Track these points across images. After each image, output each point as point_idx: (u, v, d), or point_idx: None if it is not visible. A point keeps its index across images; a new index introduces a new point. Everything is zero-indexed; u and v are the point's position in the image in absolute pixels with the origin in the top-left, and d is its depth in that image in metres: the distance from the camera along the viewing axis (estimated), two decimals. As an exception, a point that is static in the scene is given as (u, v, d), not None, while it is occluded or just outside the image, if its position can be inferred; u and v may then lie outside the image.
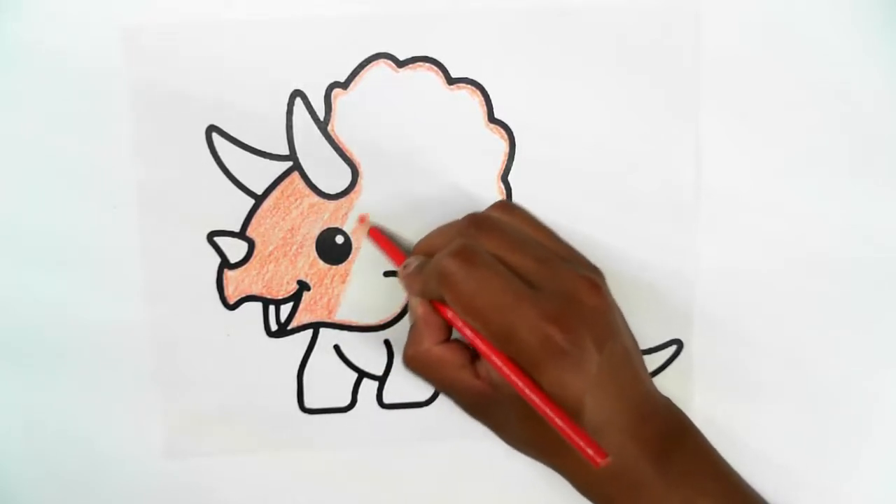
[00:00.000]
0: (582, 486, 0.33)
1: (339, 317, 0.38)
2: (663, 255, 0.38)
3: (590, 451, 0.29)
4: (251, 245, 0.38)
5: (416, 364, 0.34)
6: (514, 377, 0.31)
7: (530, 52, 0.37)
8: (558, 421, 0.30)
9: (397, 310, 0.38)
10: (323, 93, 0.37)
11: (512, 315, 0.31)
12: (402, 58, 0.37)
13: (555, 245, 0.35)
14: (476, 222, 0.34)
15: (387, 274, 0.38)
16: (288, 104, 0.37)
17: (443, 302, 0.33)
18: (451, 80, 0.37)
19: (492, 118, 0.37)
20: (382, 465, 0.39)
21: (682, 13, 0.37)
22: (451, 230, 0.35)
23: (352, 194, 0.38)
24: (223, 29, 0.36)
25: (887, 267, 0.38)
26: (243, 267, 0.38)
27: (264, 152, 0.37)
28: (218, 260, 0.38)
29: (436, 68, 0.37)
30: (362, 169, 0.37)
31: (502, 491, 0.39)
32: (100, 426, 0.38)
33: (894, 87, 0.37)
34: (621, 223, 0.38)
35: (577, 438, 0.29)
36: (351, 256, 0.38)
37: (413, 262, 0.35)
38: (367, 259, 0.38)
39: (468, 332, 0.32)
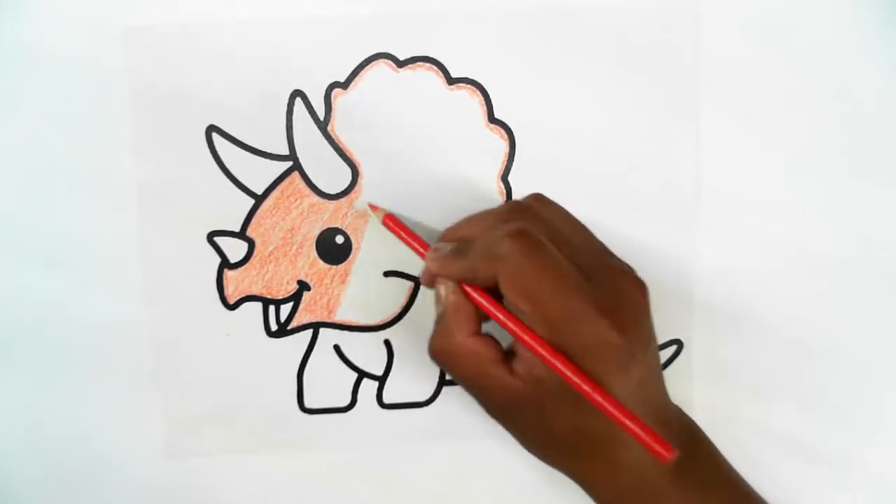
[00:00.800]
0: (603, 494, 0.33)
1: (339, 317, 0.38)
2: (663, 255, 0.38)
3: (658, 448, 0.28)
4: (251, 245, 0.38)
5: (445, 357, 0.32)
6: (569, 372, 0.29)
7: (530, 52, 0.37)
8: (623, 419, 0.28)
9: (397, 310, 0.38)
10: (323, 93, 0.37)
11: (570, 304, 0.30)
12: (402, 58, 0.37)
13: (595, 241, 0.34)
14: (520, 209, 0.33)
15: (387, 274, 0.38)
16: (288, 104, 0.37)
17: (483, 287, 0.31)
18: (451, 80, 0.37)
19: (492, 118, 0.37)
20: (382, 465, 0.39)
21: (682, 13, 0.37)
22: (487, 218, 0.33)
23: (352, 194, 0.38)
24: (223, 29, 0.36)
25: (887, 267, 0.38)
26: (243, 267, 0.38)
27: (264, 152, 0.37)
28: (218, 260, 0.38)
29: (436, 68, 0.37)
30: (362, 169, 0.37)
31: (502, 491, 0.39)
32: (100, 426, 0.38)
33: (894, 87, 0.37)
34: (621, 223, 0.38)
35: (645, 435, 0.28)
36: (351, 256, 0.38)
37: (445, 246, 0.33)
38: (367, 259, 0.38)
39: (511, 324, 0.30)
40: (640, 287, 0.32)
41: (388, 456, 0.39)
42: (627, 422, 0.29)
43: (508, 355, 0.32)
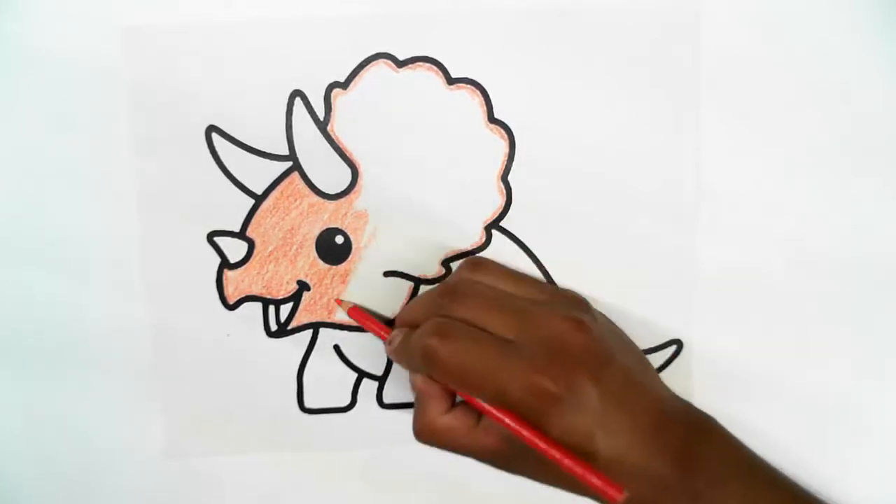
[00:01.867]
0: None
1: (340, 317, 0.38)
2: (663, 255, 0.38)
3: (607, 489, 0.29)
4: (251, 245, 0.38)
5: (426, 436, 0.34)
6: (520, 429, 0.31)
7: (530, 52, 0.37)
8: (566, 463, 0.30)
9: (397, 310, 0.38)
10: (323, 93, 0.37)
11: (500, 377, 0.31)
12: (402, 58, 0.37)
13: (530, 291, 0.35)
14: (448, 292, 0.34)
15: (387, 274, 0.38)
16: (288, 104, 0.37)
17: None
18: (451, 80, 0.37)
19: (492, 118, 0.37)
20: (382, 465, 0.39)
21: (682, 13, 0.37)
22: (427, 301, 0.35)
23: (352, 194, 0.38)
24: (223, 29, 0.36)
25: (887, 267, 0.38)
26: (243, 267, 0.38)
27: (264, 152, 0.37)
28: (218, 260, 0.38)
29: (436, 68, 0.37)
30: (362, 169, 0.37)
31: (502, 491, 0.39)
32: (100, 426, 0.38)
33: (894, 87, 0.37)
34: (621, 223, 0.38)
35: (591, 478, 0.30)
36: (351, 256, 0.38)
37: (397, 336, 0.35)
38: (367, 259, 0.38)
39: (467, 397, 0.33)
40: (575, 326, 0.33)
41: (388, 456, 0.39)
42: (571, 464, 0.30)
43: (483, 418, 0.34)
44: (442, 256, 0.38)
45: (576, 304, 0.35)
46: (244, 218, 0.37)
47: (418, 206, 0.37)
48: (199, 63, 0.36)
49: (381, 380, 0.38)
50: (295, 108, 0.37)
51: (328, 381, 0.38)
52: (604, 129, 0.37)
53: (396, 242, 0.38)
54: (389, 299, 0.38)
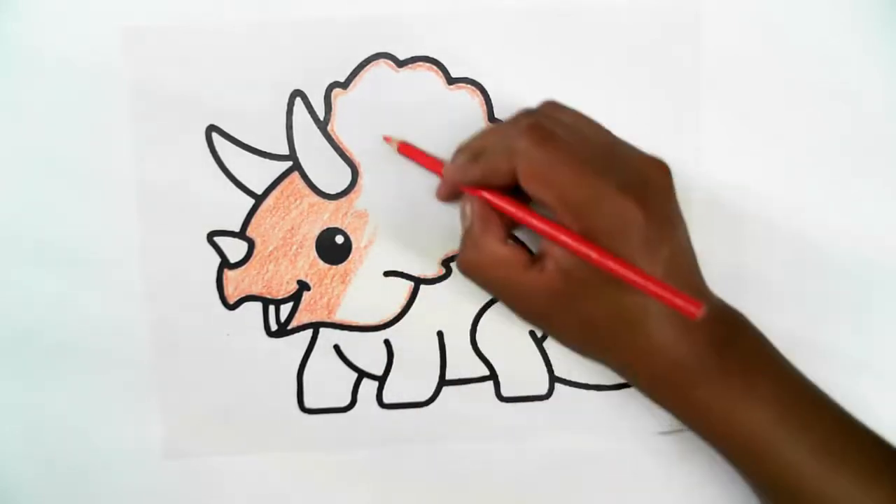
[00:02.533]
0: (643, 377, 0.33)
1: (339, 317, 0.38)
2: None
3: (683, 304, 0.28)
4: (251, 245, 0.38)
5: (475, 268, 0.33)
6: (592, 253, 0.29)
7: (530, 52, 0.37)
8: (642, 281, 0.29)
9: (397, 310, 0.38)
10: (323, 93, 0.37)
11: (590, 187, 0.30)
12: (402, 58, 0.37)
13: (614, 137, 0.34)
14: (531, 112, 0.33)
15: (387, 274, 0.38)
16: (288, 104, 0.37)
17: (503, 188, 0.32)
18: (451, 80, 0.37)
19: (492, 118, 0.37)
20: (382, 465, 0.39)
21: (682, 13, 0.37)
22: (500, 127, 0.33)
23: (352, 194, 0.38)
24: (223, 29, 0.36)
25: (887, 267, 0.38)
26: (243, 267, 0.38)
27: (264, 152, 0.37)
28: (218, 260, 0.38)
29: (436, 68, 0.37)
30: (362, 169, 0.37)
31: (502, 491, 0.39)
32: (100, 426, 0.38)
33: (894, 87, 0.37)
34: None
35: (667, 293, 0.28)
36: (351, 256, 0.38)
37: (462, 156, 0.33)
38: (367, 259, 0.38)
39: (536, 216, 0.31)
40: (661, 168, 0.32)
41: (388, 456, 0.39)
42: (651, 285, 0.29)
43: (538, 258, 0.32)
44: (442, 256, 0.38)
45: (662, 159, 0.33)
46: (244, 218, 0.37)
47: (418, 206, 0.37)
48: (199, 63, 0.36)
49: (381, 380, 0.38)
50: (295, 108, 0.37)
51: (328, 381, 0.38)
52: (604, 128, 0.37)
53: (396, 242, 0.38)
54: (389, 299, 0.38)
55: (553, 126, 0.32)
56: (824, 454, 0.31)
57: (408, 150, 0.36)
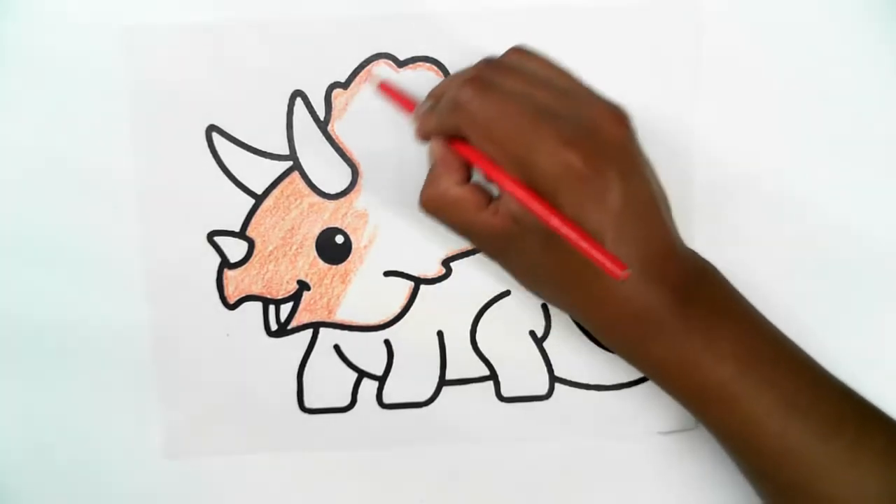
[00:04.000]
0: (602, 328, 0.33)
1: (339, 317, 0.38)
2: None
3: (609, 265, 0.28)
4: (251, 245, 0.38)
5: (433, 206, 0.33)
6: (531, 201, 0.30)
7: (530, 52, 0.37)
8: (574, 237, 0.28)
9: (397, 310, 0.38)
10: (323, 93, 0.37)
11: (530, 140, 0.30)
12: (402, 58, 0.37)
13: (576, 84, 0.33)
14: (493, 63, 0.33)
15: (387, 274, 0.38)
16: (288, 104, 0.37)
17: (460, 138, 0.32)
18: (451, 80, 0.37)
19: (492, 118, 0.37)
20: (382, 465, 0.39)
21: (682, 13, 0.37)
22: (462, 73, 0.33)
23: (352, 194, 0.38)
24: (223, 29, 0.36)
25: (887, 267, 0.38)
26: (243, 267, 0.38)
27: (264, 152, 0.37)
28: (218, 260, 0.38)
29: (436, 68, 0.37)
30: (362, 169, 0.37)
31: (502, 491, 0.39)
32: (100, 426, 0.38)
33: (894, 87, 0.37)
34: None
35: (595, 252, 0.28)
36: (351, 256, 0.38)
37: (426, 103, 0.34)
38: (367, 259, 0.38)
39: (485, 164, 0.31)
40: (614, 117, 0.31)
41: (388, 456, 0.39)
42: (575, 238, 0.28)
43: (494, 200, 0.32)
44: (442, 256, 0.38)
45: (619, 107, 0.33)
46: (244, 218, 0.37)
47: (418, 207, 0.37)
48: (199, 63, 0.36)
49: (381, 380, 0.38)
50: (295, 108, 0.37)
51: (328, 381, 0.38)
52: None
53: (396, 242, 0.38)
54: (389, 299, 0.38)
55: (498, 75, 0.31)
56: (786, 408, 0.31)
57: (387, 90, 0.36)
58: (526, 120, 0.30)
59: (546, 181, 0.30)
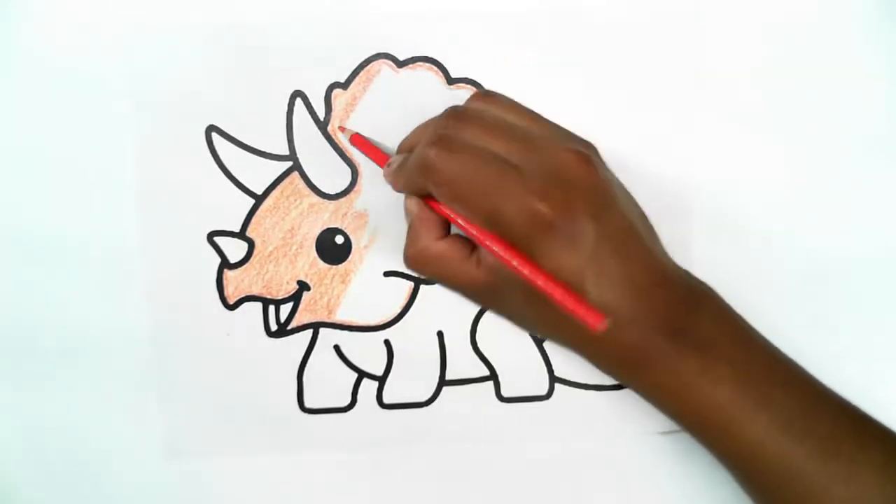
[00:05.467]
0: (595, 361, 0.33)
1: (339, 317, 0.38)
2: (663, 254, 0.38)
3: (586, 316, 0.28)
4: (251, 245, 0.38)
5: (417, 263, 0.34)
6: (505, 255, 0.30)
7: (530, 53, 0.37)
8: (549, 289, 0.29)
9: (397, 310, 0.38)
10: (323, 93, 0.37)
11: (497, 196, 0.30)
12: (402, 58, 0.37)
13: (540, 126, 0.34)
14: (455, 115, 0.33)
15: (387, 274, 0.38)
16: (288, 104, 0.37)
17: (431, 195, 0.32)
18: (451, 80, 0.37)
19: (492, 118, 0.37)
20: (382, 465, 0.39)
21: (682, 13, 0.37)
22: (432, 124, 0.34)
23: (352, 194, 0.38)
24: (223, 29, 0.36)
25: (887, 267, 0.38)
26: (243, 267, 0.38)
27: (264, 152, 0.37)
28: (218, 260, 0.38)
29: (436, 68, 0.37)
30: (362, 169, 0.37)
31: (502, 491, 0.39)
32: (100, 426, 0.38)
33: (894, 87, 0.37)
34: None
35: (571, 304, 0.28)
36: (351, 256, 0.38)
37: (396, 159, 0.34)
38: (367, 259, 0.38)
39: (460, 221, 0.32)
40: (579, 158, 0.31)
41: (388, 456, 0.39)
42: (553, 290, 0.29)
43: (475, 250, 0.33)
44: (442, 256, 0.38)
45: (586, 145, 0.34)
46: (244, 218, 0.37)
47: (418, 206, 0.37)
48: (199, 63, 0.36)
49: (381, 380, 0.38)
50: (295, 108, 0.37)
51: (328, 381, 0.38)
52: (602, 129, 0.37)
53: (396, 242, 0.38)
54: (389, 299, 0.38)
55: (462, 130, 0.32)
56: (784, 429, 0.31)
57: (358, 142, 0.36)
58: (491, 176, 0.31)
59: (518, 233, 0.30)
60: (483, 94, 0.35)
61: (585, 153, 0.32)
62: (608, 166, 0.35)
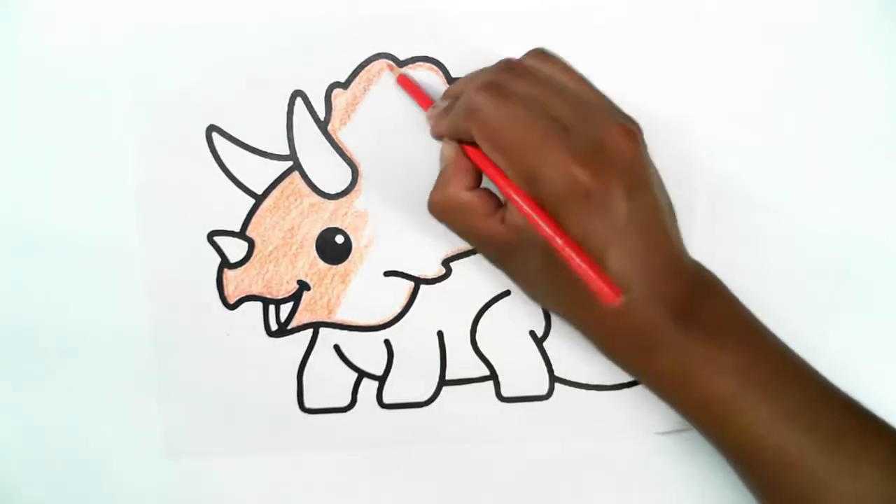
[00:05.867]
0: (601, 341, 0.33)
1: (339, 317, 0.38)
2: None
3: (603, 289, 0.28)
4: (251, 245, 0.38)
5: (441, 209, 0.33)
6: (533, 215, 0.30)
7: (530, 52, 0.37)
8: (572, 255, 0.29)
9: (397, 310, 0.38)
10: (323, 93, 0.37)
11: (539, 153, 0.30)
12: (402, 58, 0.37)
13: (591, 94, 0.33)
14: (509, 66, 0.33)
15: (387, 274, 0.38)
16: (288, 104, 0.37)
17: (472, 143, 0.32)
18: (451, 80, 0.37)
19: (492, 118, 0.37)
20: (382, 465, 0.39)
21: (682, 13, 0.37)
22: (480, 74, 0.34)
23: (352, 194, 0.38)
24: (223, 29, 0.36)
25: (887, 267, 0.38)
26: (243, 267, 0.38)
27: (264, 152, 0.37)
28: (218, 260, 0.38)
29: (436, 68, 0.37)
30: (362, 169, 0.37)
31: (501, 491, 0.39)
32: (100, 426, 0.38)
33: (894, 87, 0.37)
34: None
35: (590, 274, 0.28)
36: (351, 256, 0.38)
37: (441, 103, 0.34)
38: (367, 259, 0.38)
39: (493, 171, 0.31)
40: (626, 133, 0.31)
41: (388, 456, 0.39)
42: (575, 257, 0.29)
43: (502, 207, 0.33)
44: (442, 256, 0.38)
45: (632, 121, 0.33)
46: (244, 218, 0.37)
47: (418, 206, 0.37)
48: (199, 63, 0.36)
49: (381, 380, 0.38)
50: (295, 108, 0.37)
51: (328, 381, 0.38)
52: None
53: (396, 242, 0.38)
54: (389, 299, 0.38)
55: (514, 81, 0.31)
56: (788, 422, 0.31)
57: (405, 83, 0.36)
58: (536, 132, 0.30)
59: (552, 196, 0.30)
60: (539, 53, 0.34)
61: (633, 130, 0.32)
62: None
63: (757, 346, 0.32)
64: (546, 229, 0.29)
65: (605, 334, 0.32)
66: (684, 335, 0.31)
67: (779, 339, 0.33)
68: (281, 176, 0.37)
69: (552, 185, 0.30)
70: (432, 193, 0.34)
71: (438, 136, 0.34)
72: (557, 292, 0.32)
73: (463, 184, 0.33)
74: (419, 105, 0.36)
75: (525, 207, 0.30)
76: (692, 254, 0.37)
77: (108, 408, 0.38)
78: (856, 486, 0.30)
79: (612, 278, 0.29)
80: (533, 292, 0.34)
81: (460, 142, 0.33)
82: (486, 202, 0.33)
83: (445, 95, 0.35)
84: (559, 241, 0.29)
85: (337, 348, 0.38)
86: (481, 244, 0.33)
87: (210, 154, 0.37)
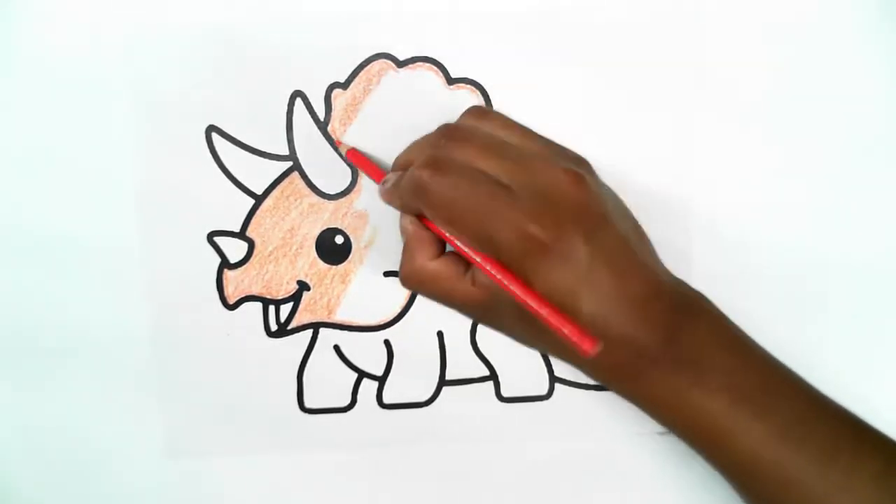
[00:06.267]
0: (589, 374, 0.34)
1: (339, 317, 0.38)
2: (659, 254, 0.38)
3: (577, 340, 0.28)
4: (251, 245, 0.38)
5: (412, 283, 0.34)
6: (499, 276, 0.30)
7: (530, 52, 0.37)
8: (543, 313, 0.29)
9: (397, 310, 0.38)
10: (323, 93, 0.37)
11: (489, 218, 0.31)
12: (402, 58, 0.37)
13: (532, 144, 0.34)
14: (447, 133, 0.33)
15: (387, 274, 0.38)
16: (288, 104, 0.37)
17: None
18: (451, 80, 0.37)
19: (492, 118, 0.37)
20: (382, 465, 0.39)
21: (682, 13, 0.37)
22: (425, 142, 0.34)
23: (352, 194, 0.38)
24: (223, 29, 0.36)
25: (887, 267, 0.38)
26: (243, 267, 0.38)
27: (264, 152, 0.37)
28: (218, 260, 0.38)
29: (436, 68, 0.37)
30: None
31: (501, 491, 0.39)
32: (100, 426, 0.38)
33: (894, 87, 0.37)
34: (621, 223, 0.37)
35: (562, 329, 0.29)
36: (351, 256, 0.38)
37: (391, 178, 0.34)
38: (367, 259, 0.38)
39: (453, 241, 0.32)
40: (572, 178, 0.32)
41: (388, 456, 0.39)
42: (545, 314, 0.29)
43: (470, 269, 0.33)
44: (442, 256, 0.38)
45: (578, 162, 0.34)
46: (244, 218, 0.37)
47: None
48: (199, 63, 0.36)
49: (381, 380, 0.38)
50: (295, 108, 0.37)
51: (328, 381, 0.38)
52: (602, 129, 0.37)
53: (396, 242, 0.38)
54: (389, 299, 0.38)
55: (454, 150, 0.32)
56: (781, 438, 0.31)
57: (355, 158, 0.36)
58: (482, 199, 0.31)
59: (511, 255, 0.30)
60: (476, 111, 0.35)
61: (577, 172, 0.32)
62: (602, 181, 0.35)
63: (745, 365, 0.32)
64: (514, 289, 0.30)
65: (592, 369, 0.33)
66: (670, 360, 0.31)
67: (768, 353, 0.33)
68: (281, 176, 0.37)
69: (509, 247, 0.30)
70: (401, 268, 0.34)
71: (395, 208, 0.35)
72: (537, 341, 0.33)
73: (428, 254, 0.33)
74: (371, 179, 0.36)
75: (490, 271, 0.31)
76: (692, 253, 0.37)
77: (108, 408, 0.38)
78: (850, 499, 0.30)
79: (586, 324, 0.30)
80: (518, 340, 0.35)
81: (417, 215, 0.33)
82: (453, 268, 0.33)
83: (395, 166, 0.36)
84: (529, 301, 0.30)
85: (337, 348, 0.38)
86: (457, 308, 0.34)
87: (210, 154, 0.37)
